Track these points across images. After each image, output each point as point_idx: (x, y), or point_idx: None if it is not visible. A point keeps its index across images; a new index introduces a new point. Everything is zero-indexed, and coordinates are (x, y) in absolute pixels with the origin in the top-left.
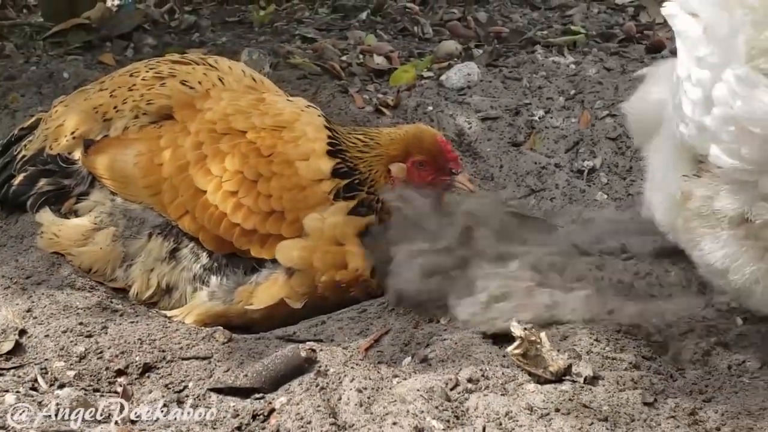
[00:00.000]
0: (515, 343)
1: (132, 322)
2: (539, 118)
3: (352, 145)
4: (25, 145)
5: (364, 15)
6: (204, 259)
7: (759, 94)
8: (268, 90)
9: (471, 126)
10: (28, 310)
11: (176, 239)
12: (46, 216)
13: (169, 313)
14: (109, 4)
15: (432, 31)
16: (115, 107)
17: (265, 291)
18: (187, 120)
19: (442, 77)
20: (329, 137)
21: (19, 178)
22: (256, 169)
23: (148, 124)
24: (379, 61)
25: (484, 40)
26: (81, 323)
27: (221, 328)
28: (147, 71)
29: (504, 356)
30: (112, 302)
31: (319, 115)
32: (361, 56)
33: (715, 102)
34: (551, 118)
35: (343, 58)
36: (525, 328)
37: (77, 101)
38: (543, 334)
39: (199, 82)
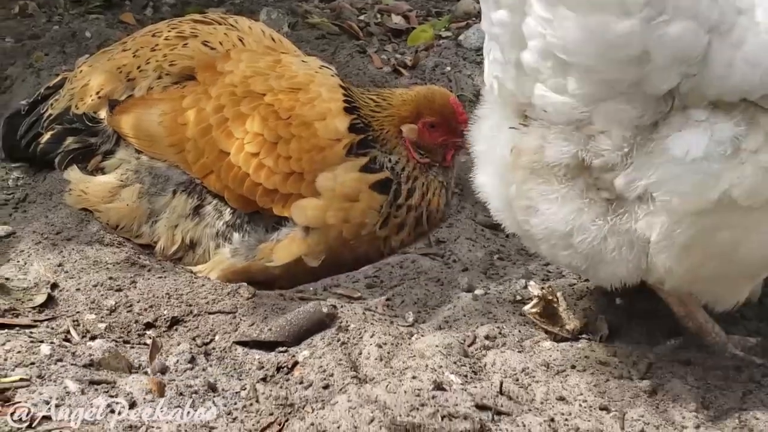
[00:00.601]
0: (532, 302)
1: (160, 278)
2: None
3: (365, 105)
4: (52, 104)
5: None
6: (227, 215)
7: (566, 22)
8: (287, 50)
9: None
10: (59, 265)
11: (200, 196)
12: (74, 174)
13: (194, 269)
14: None
15: None
16: (138, 67)
17: (284, 248)
18: (208, 82)
19: (461, 37)
20: (344, 96)
21: (47, 136)
22: (275, 131)
23: (170, 84)
24: (397, 20)
25: None
26: (111, 278)
27: (245, 284)
28: (169, 31)
29: (521, 314)
30: (139, 258)
31: (332, 75)
32: (378, 15)
33: (527, 36)
34: None
35: (361, 17)
36: (542, 288)
37: (101, 61)
38: (560, 294)
39: (220, 43)
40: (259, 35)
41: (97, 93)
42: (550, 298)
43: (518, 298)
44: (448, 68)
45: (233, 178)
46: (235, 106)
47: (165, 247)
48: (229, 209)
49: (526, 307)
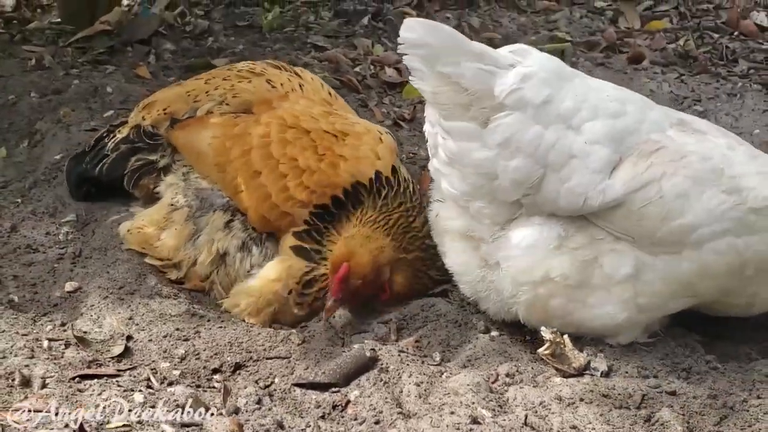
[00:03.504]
0: (545, 345)
1: (220, 327)
2: None
3: (375, 203)
4: (119, 129)
5: (365, 20)
6: (250, 230)
7: (449, 144)
8: (341, 107)
9: None
10: (130, 318)
11: (232, 213)
12: (133, 215)
13: (224, 304)
14: (125, 2)
15: None
16: (206, 92)
17: (271, 267)
18: (262, 113)
19: None
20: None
21: (113, 156)
22: (308, 161)
23: (228, 113)
24: (390, 73)
25: None
26: (177, 329)
27: (295, 331)
28: (244, 66)
29: (533, 353)
30: (197, 309)
31: (384, 134)
32: (372, 67)
33: (438, 148)
34: None
35: (357, 69)
36: (552, 332)
37: (172, 87)
38: (566, 336)
39: (282, 84)
40: (318, 87)
41: (164, 109)
42: (559, 340)
43: (527, 338)
44: None
45: (258, 197)
46: (280, 133)
47: (203, 261)
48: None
49: (540, 350)
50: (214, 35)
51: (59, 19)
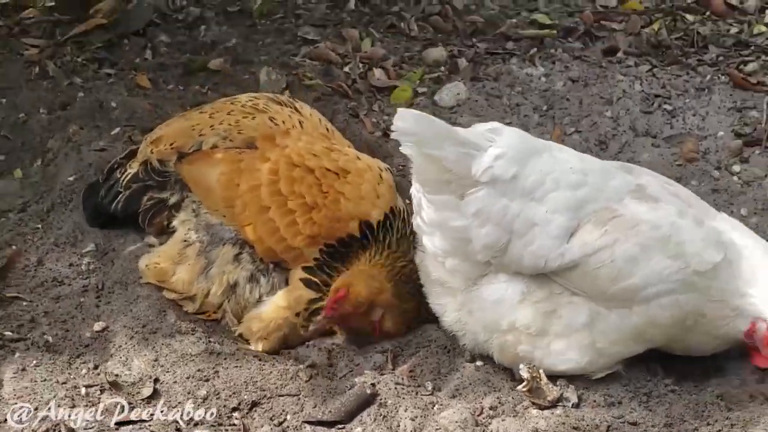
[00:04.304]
0: (524, 383)
1: (236, 367)
2: None
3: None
4: (130, 164)
5: (351, 4)
6: (258, 261)
7: (431, 212)
8: (339, 141)
9: None
10: (155, 360)
11: (241, 246)
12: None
13: (238, 330)
14: None
15: (417, 27)
16: (211, 126)
17: (282, 296)
18: (266, 149)
19: (436, 97)
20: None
21: (126, 193)
22: (315, 198)
23: (232, 148)
24: (378, 75)
25: (462, 35)
26: (198, 369)
27: (302, 366)
28: (246, 101)
29: (512, 380)
30: (215, 345)
31: (384, 170)
32: (360, 66)
33: (420, 211)
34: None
35: (346, 69)
36: (530, 370)
37: (178, 121)
38: (542, 371)
39: (283, 121)
40: (317, 123)
41: (171, 144)
42: (535, 375)
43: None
44: None
45: (266, 231)
46: (288, 171)
47: (215, 292)
48: (260, 258)
49: (519, 387)
50: (207, 23)
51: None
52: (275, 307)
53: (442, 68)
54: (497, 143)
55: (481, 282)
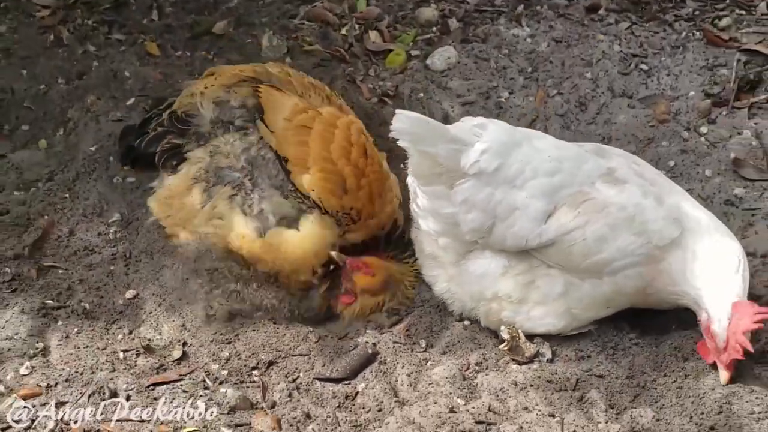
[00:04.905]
0: (504, 343)
1: (253, 330)
2: (505, 99)
3: None
4: (163, 112)
5: None
6: (245, 205)
7: (425, 201)
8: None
9: (454, 110)
10: (182, 325)
11: (238, 189)
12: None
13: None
14: None
15: None
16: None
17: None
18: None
19: (428, 61)
20: None
21: (151, 135)
22: (357, 164)
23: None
24: (373, 38)
25: None
26: (221, 333)
27: (312, 329)
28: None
29: (495, 337)
30: (233, 306)
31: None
32: (357, 27)
33: (415, 198)
34: (514, 98)
35: (343, 32)
36: (509, 331)
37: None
38: (520, 331)
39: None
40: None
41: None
42: (515, 335)
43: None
44: (421, 95)
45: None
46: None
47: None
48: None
49: (500, 346)
50: None
51: None
52: (300, 237)
53: (434, 29)
54: (483, 138)
55: (468, 257)
